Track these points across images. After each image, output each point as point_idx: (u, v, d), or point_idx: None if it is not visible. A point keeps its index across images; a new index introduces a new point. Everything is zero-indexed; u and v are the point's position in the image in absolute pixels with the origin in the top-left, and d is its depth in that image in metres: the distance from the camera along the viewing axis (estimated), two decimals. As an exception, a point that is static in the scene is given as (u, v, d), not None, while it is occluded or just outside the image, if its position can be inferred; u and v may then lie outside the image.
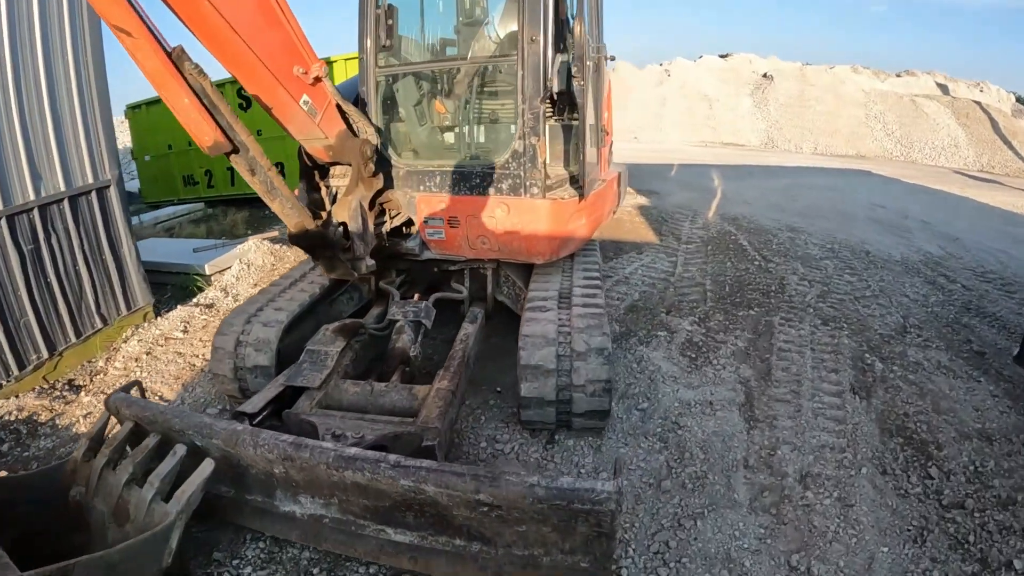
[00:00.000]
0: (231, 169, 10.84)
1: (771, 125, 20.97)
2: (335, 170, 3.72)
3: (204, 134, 2.62)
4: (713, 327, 5.13)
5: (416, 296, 3.97)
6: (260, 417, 3.19)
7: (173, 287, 7.02)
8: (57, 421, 4.47)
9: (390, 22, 3.69)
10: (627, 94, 23.91)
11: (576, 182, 3.98)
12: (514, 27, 3.80)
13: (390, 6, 3.73)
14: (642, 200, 10.20)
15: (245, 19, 2.59)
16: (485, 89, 4.20)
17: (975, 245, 7.98)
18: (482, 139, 4.26)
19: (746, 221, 8.76)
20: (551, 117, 4.64)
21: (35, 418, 4.49)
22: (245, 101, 9.81)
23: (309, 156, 3.50)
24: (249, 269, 7.19)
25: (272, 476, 2.73)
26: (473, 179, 3.79)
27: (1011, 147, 18.25)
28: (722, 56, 25.70)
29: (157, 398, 4.61)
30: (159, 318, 6.02)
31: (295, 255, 7.46)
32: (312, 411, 3.15)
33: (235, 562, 2.91)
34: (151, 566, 2.46)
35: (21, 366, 4.75)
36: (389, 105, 4.11)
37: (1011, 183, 14.85)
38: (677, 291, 6.03)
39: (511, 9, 4.02)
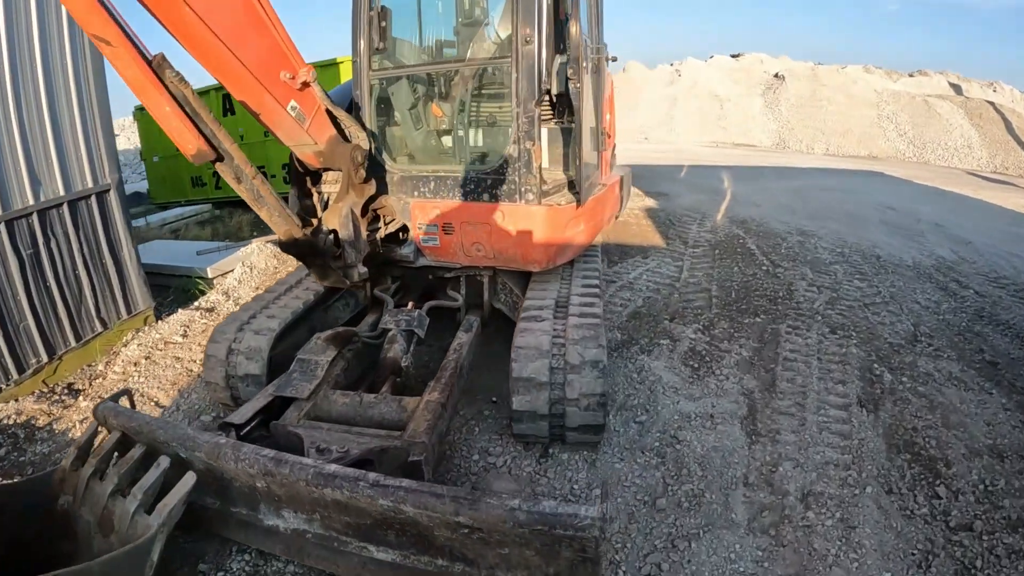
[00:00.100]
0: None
1: (782, 126, 20.69)
2: (327, 176, 3.67)
3: (187, 142, 2.57)
4: (717, 335, 5.02)
5: (410, 304, 3.90)
6: (248, 428, 3.14)
7: (176, 290, 7.01)
8: (54, 426, 4.46)
9: (383, 24, 3.62)
10: (637, 94, 23.77)
11: (575, 187, 3.90)
12: None
13: (383, 8, 3.66)
14: (650, 202, 10.06)
15: (228, 25, 2.55)
16: (480, 92, 4.12)
17: (988, 249, 7.78)
18: (477, 143, 4.18)
19: (755, 224, 8.60)
20: (550, 120, 4.55)
21: (33, 422, 4.48)
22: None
23: (300, 162, 3.45)
24: (252, 272, 7.17)
25: (255, 490, 2.69)
26: (468, 185, 3.71)
27: (1025, 148, 17.86)
28: (733, 56, 25.44)
29: (153, 404, 4.59)
30: (160, 321, 6.01)
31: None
32: (300, 423, 3.09)
33: (220, 574, 2.89)
34: (133, 579, 2.44)
35: (20, 370, 4.74)
36: (383, 109, 4.04)
37: (1025, 184, 14.52)
38: (682, 297, 5.91)
39: (510, 9, 3.94)
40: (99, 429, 3.10)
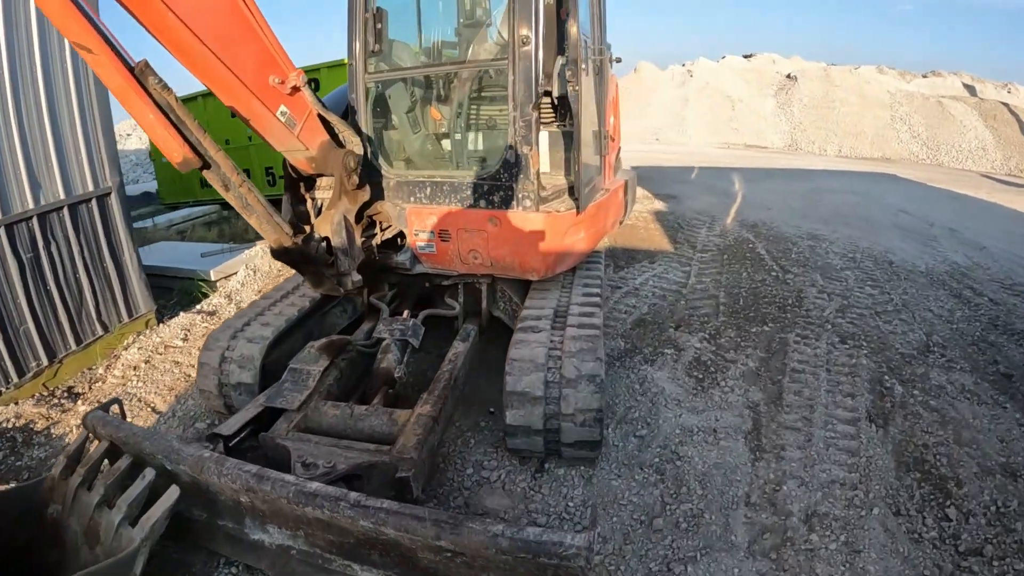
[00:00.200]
0: (247, 170, 10.89)
1: (794, 127, 20.41)
2: (321, 181, 3.60)
3: (172, 150, 2.52)
4: (724, 344, 4.90)
5: (405, 313, 3.82)
6: (237, 439, 3.09)
7: (179, 292, 7.01)
8: (52, 430, 4.45)
9: (379, 26, 3.54)
10: (648, 95, 23.58)
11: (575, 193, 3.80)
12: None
13: (379, 9, 3.58)
14: (659, 205, 9.93)
15: (213, 29, 2.48)
16: (479, 95, 4.04)
17: (1003, 254, 7.57)
18: (473, 148, 4.09)
19: (765, 228, 8.46)
20: (552, 123, 4.46)
21: (32, 426, 4.47)
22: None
23: (293, 168, 3.39)
24: (255, 275, 7.15)
25: (240, 504, 2.63)
26: (464, 190, 3.63)
27: (1040, 150, 17.46)
28: (745, 56, 25.19)
29: (150, 410, 4.56)
30: (161, 325, 6.00)
31: (301, 261, 7.39)
32: (288, 435, 3.03)
33: (207, 587, 2.83)
34: (116, 592, 2.41)
35: (21, 373, 4.74)
36: (379, 113, 3.97)
37: (1041, 188, 14.17)
38: (688, 304, 5.80)
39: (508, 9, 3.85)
40: (89, 438, 3.07)
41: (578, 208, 3.70)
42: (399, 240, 4.06)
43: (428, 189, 3.73)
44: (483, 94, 4.07)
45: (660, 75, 24.68)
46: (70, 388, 5.05)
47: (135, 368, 5.22)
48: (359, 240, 3.52)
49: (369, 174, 3.70)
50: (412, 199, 3.79)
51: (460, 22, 4.52)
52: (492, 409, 3.91)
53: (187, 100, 10.89)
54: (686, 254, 7.35)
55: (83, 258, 5.19)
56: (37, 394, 4.88)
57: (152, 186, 13.77)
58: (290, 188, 3.50)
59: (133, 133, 24.35)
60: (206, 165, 2.64)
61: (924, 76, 23.60)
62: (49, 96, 4.78)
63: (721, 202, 10.21)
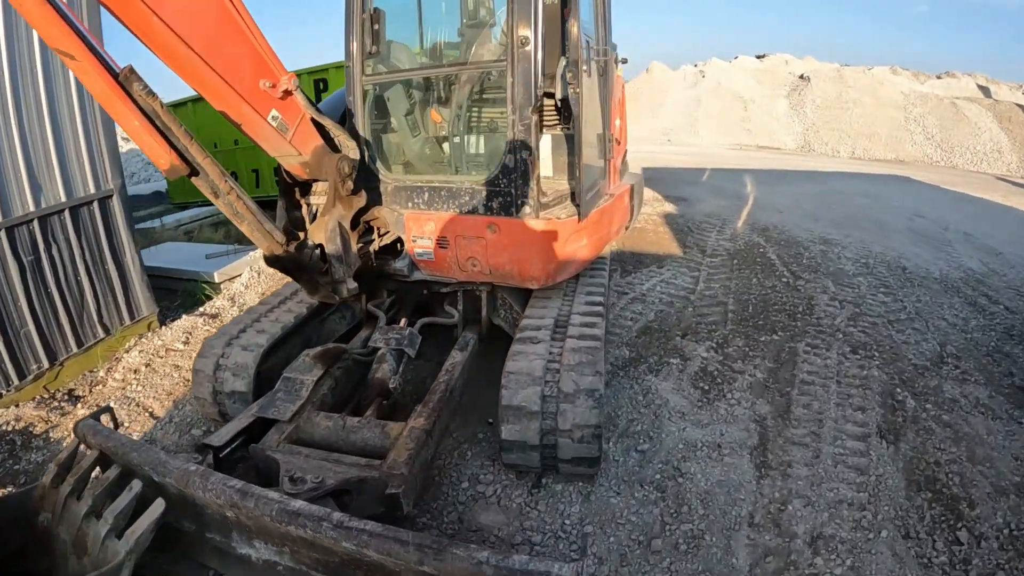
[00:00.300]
0: (256, 171, 10.88)
1: (807, 128, 20.12)
2: (316, 187, 3.53)
3: (159, 157, 2.46)
4: (731, 354, 4.78)
5: (402, 321, 3.75)
6: (228, 450, 3.03)
7: (183, 294, 6.99)
8: (51, 434, 4.44)
9: (376, 27, 3.46)
10: (660, 96, 23.39)
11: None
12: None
13: (376, 10, 3.50)
14: (669, 208, 9.80)
15: (200, 34, 2.42)
16: (479, 97, 3.95)
17: (1020, 260, 7.37)
18: (472, 152, 4.01)
19: (777, 232, 8.30)
20: (556, 126, 4.36)
21: (31, 429, 4.46)
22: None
23: (288, 173, 3.32)
24: (259, 277, 7.11)
25: (226, 518, 2.58)
26: (462, 196, 3.54)
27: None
28: (758, 57, 24.90)
29: (147, 415, 4.53)
30: (164, 327, 5.98)
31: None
32: (279, 446, 2.96)
33: (195, 601, 2.77)
34: (100, 605, 2.37)
35: (21, 376, 4.73)
36: (377, 116, 3.89)
37: (1058, 191, 13.83)
38: (696, 311, 5.68)
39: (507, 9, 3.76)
40: (81, 446, 3.03)
41: (580, 215, 3.60)
42: (398, 246, 3.99)
43: (426, 194, 3.65)
44: (484, 96, 3.98)
45: (672, 75, 24.46)
46: (71, 391, 5.04)
47: (135, 371, 5.20)
48: (355, 247, 3.46)
49: (367, 179, 3.63)
50: (410, 204, 3.71)
51: (463, 22, 4.44)
52: (491, 420, 3.82)
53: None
54: (695, 259, 7.21)
55: (84, 260, 5.17)
56: (37, 397, 4.87)
57: (163, 185, 13.83)
58: (285, 194, 3.44)
59: (146, 132, 24.46)
60: (194, 172, 2.58)
61: (938, 77, 23.23)
62: (50, 97, 4.76)
63: (732, 205, 10.05)
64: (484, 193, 3.47)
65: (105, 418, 3.15)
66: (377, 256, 3.80)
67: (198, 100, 10.97)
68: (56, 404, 4.80)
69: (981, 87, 22.44)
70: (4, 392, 4.63)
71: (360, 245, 3.62)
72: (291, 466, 2.75)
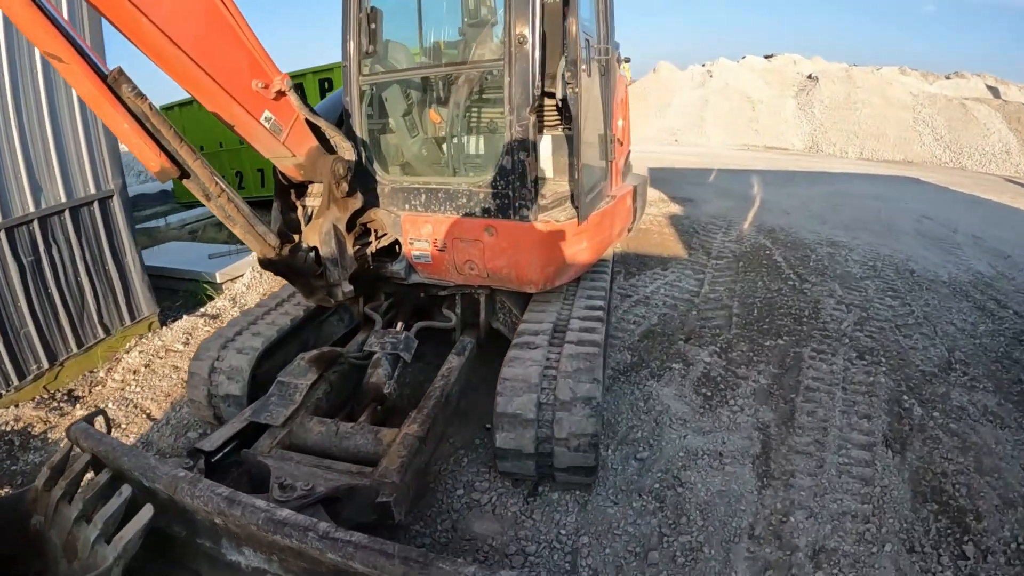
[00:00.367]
0: (261, 170, 10.87)
1: (815, 128, 19.92)
2: (312, 188, 3.49)
3: (149, 160, 2.42)
4: (735, 359, 4.71)
5: (399, 325, 3.70)
6: (220, 455, 2.99)
7: (185, 294, 6.98)
8: (49, 435, 4.42)
9: (373, 26, 3.41)
10: (668, 96, 23.24)
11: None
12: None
13: (373, 9, 3.45)
14: (675, 208, 9.72)
15: (190, 34, 2.38)
16: (478, 97, 3.89)
17: (1029, 264, 7.26)
18: (469, 153, 3.95)
19: (783, 234, 8.21)
20: (557, 126, 4.30)
21: (30, 430, 4.45)
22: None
23: (283, 174, 3.28)
24: (261, 278, 7.10)
25: (216, 525, 2.54)
26: (459, 198, 3.49)
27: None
28: (766, 57, 24.69)
29: (144, 416, 4.51)
30: (164, 328, 5.97)
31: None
32: (271, 452, 2.92)
33: (185, 608, 2.74)
34: (88, 611, 2.34)
35: (21, 376, 4.72)
36: (374, 116, 3.84)
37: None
38: (700, 314, 5.60)
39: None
40: (73, 449, 3.01)
41: (579, 217, 3.54)
42: (396, 248, 3.94)
43: (423, 196, 3.60)
44: (483, 97, 3.92)
45: (679, 75, 24.30)
46: (70, 391, 5.03)
47: (135, 372, 5.18)
48: (351, 249, 3.41)
49: (364, 180, 3.58)
50: (407, 206, 3.66)
51: (464, 21, 4.38)
52: (488, 425, 3.77)
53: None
54: (700, 261, 7.14)
55: (84, 261, 5.16)
56: (37, 397, 4.86)
57: (169, 184, 13.85)
58: (280, 195, 3.40)
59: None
60: (185, 175, 2.54)
61: (947, 77, 23.00)
62: (50, 97, 4.74)
63: (738, 206, 9.96)
64: (482, 195, 3.42)
65: (98, 421, 3.13)
66: (374, 259, 3.76)
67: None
68: (55, 405, 4.79)
69: (990, 88, 22.19)
70: (4, 392, 4.62)
71: (357, 247, 3.57)
72: (281, 473, 2.71)
